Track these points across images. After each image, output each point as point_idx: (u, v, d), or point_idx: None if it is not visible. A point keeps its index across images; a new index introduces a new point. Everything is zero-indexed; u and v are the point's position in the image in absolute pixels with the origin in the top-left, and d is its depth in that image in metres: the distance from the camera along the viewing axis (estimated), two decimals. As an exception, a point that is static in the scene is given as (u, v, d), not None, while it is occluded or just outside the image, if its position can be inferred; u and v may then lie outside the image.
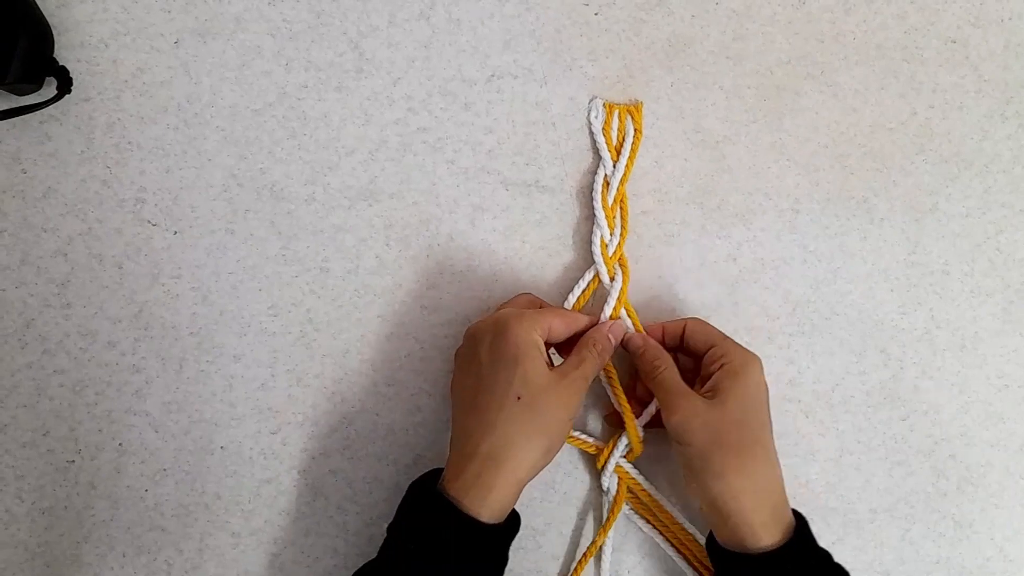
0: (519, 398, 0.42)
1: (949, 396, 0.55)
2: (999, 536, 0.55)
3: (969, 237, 0.55)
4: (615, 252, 0.51)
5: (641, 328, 0.50)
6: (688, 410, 0.44)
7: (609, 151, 0.52)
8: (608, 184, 0.51)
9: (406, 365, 0.51)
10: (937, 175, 0.55)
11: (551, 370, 0.44)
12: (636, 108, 0.52)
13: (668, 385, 0.46)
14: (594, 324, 0.48)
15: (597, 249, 0.51)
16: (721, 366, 0.46)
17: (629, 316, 0.51)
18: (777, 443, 0.53)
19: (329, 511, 0.50)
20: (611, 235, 0.51)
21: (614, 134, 0.52)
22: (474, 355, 0.45)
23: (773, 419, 0.53)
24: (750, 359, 0.46)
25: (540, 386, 0.43)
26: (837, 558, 0.53)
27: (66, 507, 0.48)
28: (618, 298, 0.50)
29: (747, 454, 0.44)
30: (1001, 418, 0.55)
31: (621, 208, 0.51)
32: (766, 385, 0.47)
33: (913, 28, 0.55)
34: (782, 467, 0.53)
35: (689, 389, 0.46)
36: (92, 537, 0.48)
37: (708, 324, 0.49)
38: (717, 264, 0.53)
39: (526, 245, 0.52)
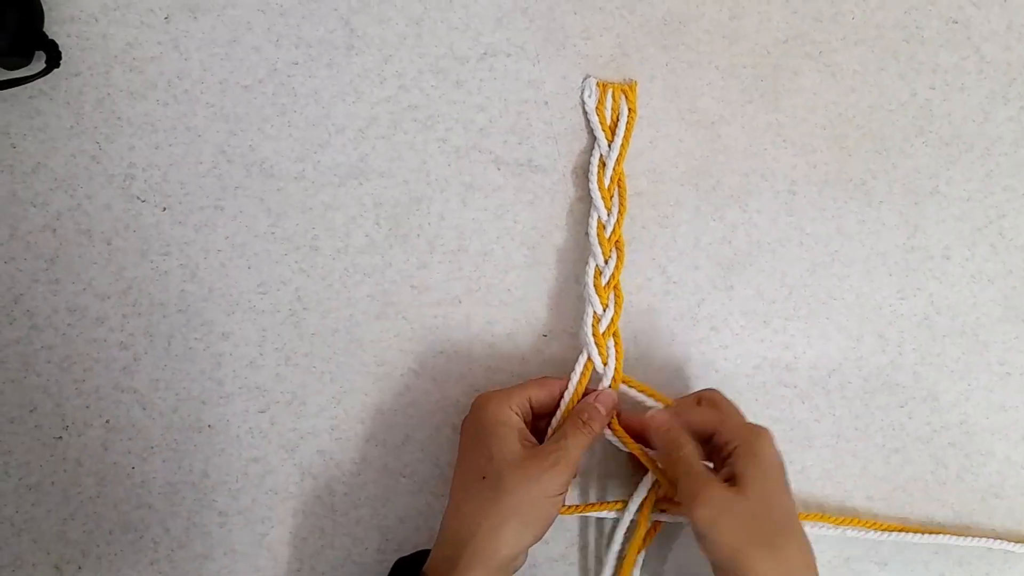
0: (484, 478, 0.42)
1: (949, 383, 0.54)
2: (999, 526, 0.54)
3: (970, 221, 0.54)
4: (612, 233, 0.50)
5: (663, 401, 0.49)
6: (715, 503, 0.41)
7: (603, 131, 0.51)
8: (604, 164, 0.51)
9: (395, 345, 0.50)
10: (937, 157, 0.54)
11: (525, 448, 0.43)
12: (630, 87, 0.51)
13: (691, 470, 0.43)
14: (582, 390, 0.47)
15: (593, 231, 0.50)
16: (734, 448, 0.43)
17: (645, 393, 0.50)
18: (773, 429, 0.52)
19: (317, 491, 0.49)
20: (608, 216, 0.50)
21: (608, 113, 0.51)
22: (460, 437, 0.46)
23: (770, 405, 0.53)
24: (761, 435, 0.44)
25: (508, 464, 0.42)
26: (832, 547, 0.53)
27: (53, 483, 0.48)
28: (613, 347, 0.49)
29: (781, 547, 0.41)
30: (1002, 406, 0.54)
31: (619, 189, 0.51)
32: (781, 458, 0.44)
33: (913, 8, 0.54)
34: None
35: (714, 477, 0.43)
36: (79, 514, 0.48)
37: (717, 400, 0.47)
38: (712, 246, 0.52)
39: (518, 225, 0.51)
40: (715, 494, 0.41)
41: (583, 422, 0.45)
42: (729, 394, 0.52)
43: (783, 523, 0.42)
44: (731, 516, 0.41)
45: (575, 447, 0.44)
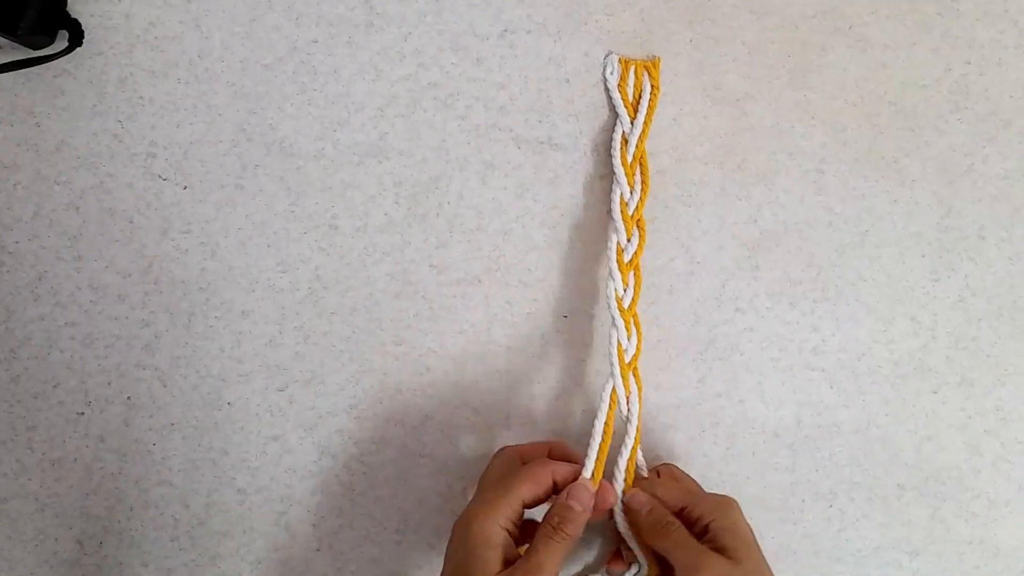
0: None
1: (984, 368, 0.52)
2: (1038, 517, 0.52)
3: (1007, 200, 0.52)
4: (635, 211, 0.49)
5: (631, 480, 0.47)
6: (716, 572, 0.41)
7: (626, 108, 0.50)
8: (626, 141, 0.50)
9: (414, 325, 0.50)
10: (973, 135, 0.52)
11: (502, 570, 0.41)
12: (653, 64, 0.50)
13: (685, 543, 0.43)
14: (571, 475, 0.45)
15: (616, 207, 0.49)
16: (709, 522, 0.43)
17: (626, 473, 0.47)
18: (799, 413, 0.51)
19: (335, 470, 0.49)
20: (631, 193, 0.49)
21: (630, 91, 0.50)
22: (446, 553, 0.43)
23: (797, 389, 0.51)
24: (732, 506, 0.44)
25: None
26: (862, 535, 0.51)
27: (75, 459, 0.48)
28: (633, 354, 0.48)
29: None
30: (1041, 393, 0.52)
31: (641, 166, 0.50)
32: (749, 526, 0.44)
33: (948, -20, 0.52)
34: (803, 437, 0.51)
35: (707, 549, 0.42)
36: (100, 489, 0.48)
37: (677, 476, 0.47)
38: (737, 226, 0.51)
39: (538, 204, 0.50)
40: (716, 565, 0.41)
41: (554, 528, 0.42)
42: (754, 378, 0.51)
43: None
44: None
45: (549, 559, 0.41)
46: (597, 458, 0.46)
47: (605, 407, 0.47)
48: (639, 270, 0.49)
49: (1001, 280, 0.52)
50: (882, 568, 0.51)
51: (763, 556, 0.43)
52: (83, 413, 0.48)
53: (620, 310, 0.48)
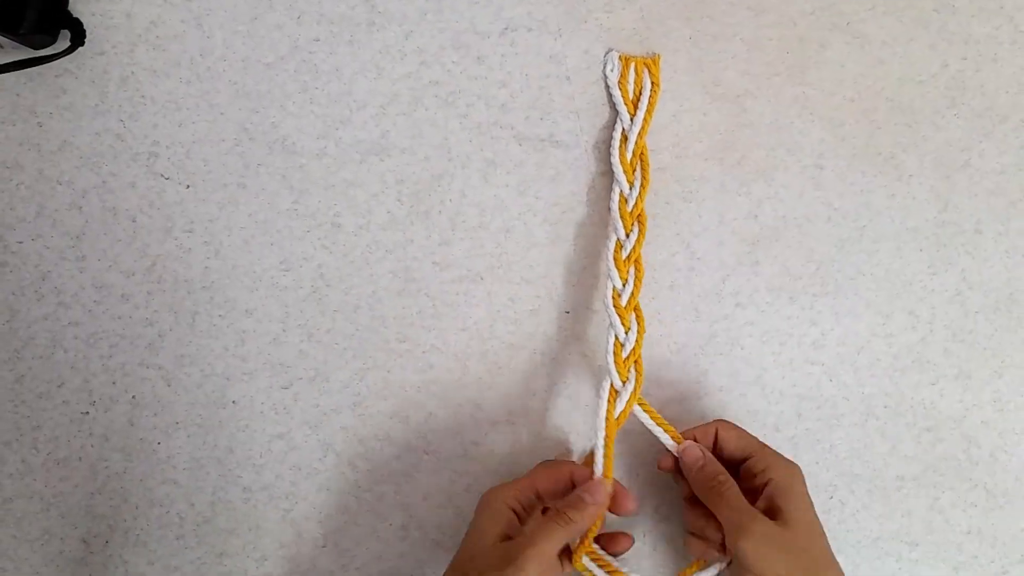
0: (453, 567, 0.42)
1: (982, 360, 0.53)
2: (1035, 507, 0.52)
3: (1003, 195, 0.53)
4: (634, 207, 0.50)
5: (679, 439, 0.47)
6: (761, 535, 0.41)
7: (626, 105, 0.50)
8: (626, 138, 0.50)
9: (417, 322, 0.50)
10: (969, 130, 0.53)
11: (500, 541, 0.42)
12: (653, 61, 0.51)
13: (735, 504, 0.43)
14: (586, 475, 0.46)
15: (615, 205, 0.49)
16: (768, 481, 0.43)
17: (661, 427, 0.48)
18: (799, 406, 0.52)
19: (340, 467, 0.50)
20: (630, 190, 0.50)
21: (631, 88, 0.51)
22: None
23: (797, 383, 0.52)
24: (795, 471, 0.45)
25: (475, 554, 0.41)
26: (862, 526, 0.52)
27: (80, 458, 0.48)
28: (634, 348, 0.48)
29: None
30: (1038, 384, 0.53)
31: (641, 163, 0.50)
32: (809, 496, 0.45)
33: (944, -24, 0.53)
34: (804, 430, 0.52)
35: (756, 511, 0.42)
36: (106, 489, 0.48)
37: (739, 427, 0.47)
38: (737, 222, 0.52)
39: (539, 201, 0.51)
40: (762, 528, 0.42)
41: (557, 511, 0.43)
42: (755, 372, 0.52)
43: (825, 558, 0.43)
44: (778, 549, 0.41)
45: (543, 536, 0.41)
46: (605, 455, 0.46)
47: (604, 404, 0.47)
48: (640, 264, 0.49)
49: (998, 273, 0.53)
50: (882, 558, 0.52)
51: (819, 524, 0.43)
52: (88, 412, 0.48)
53: (616, 306, 0.48)
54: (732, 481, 0.44)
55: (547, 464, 0.47)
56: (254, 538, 0.49)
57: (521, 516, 0.44)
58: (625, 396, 0.47)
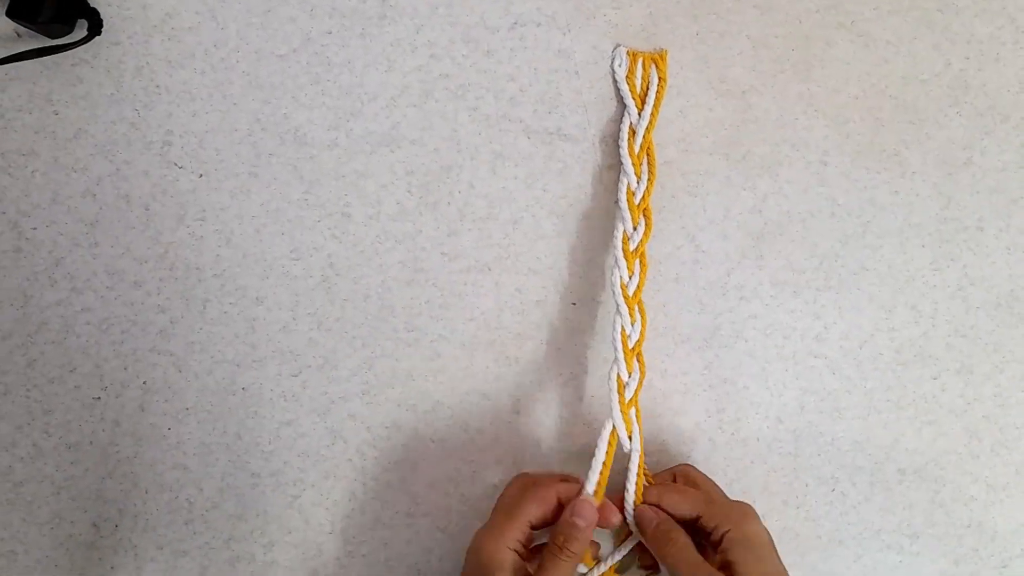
0: None
1: (983, 355, 0.53)
2: (1035, 501, 0.53)
3: (1005, 192, 0.54)
4: (641, 200, 0.50)
5: (649, 477, 0.48)
6: None
7: (633, 99, 0.51)
8: (634, 132, 0.51)
9: (425, 312, 0.51)
10: (972, 128, 0.53)
11: None
12: (660, 56, 0.52)
13: (689, 560, 0.43)
14: (575, 493, 0.45)
15: (623, 197, 0.50)
16: (724, 533, 0.43)
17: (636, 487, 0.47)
18: (802, 399, 0.52)
19: (348, 454, 0.50)
20: (638, 183, 0.50)
21: (638, 83, 0.51)
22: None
23: (800, 376, 0.52)
24: (747, 514, 0.44)
25: None
26: (863, 519, 0.52)
27: (91, 443, 0.49)
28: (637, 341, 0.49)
29: None
30: (1038, 380, 0.53)
31: (648, 156, 0.51)
32: (768, 534, 0.44)
33: (948, -24, 0.53)
34: (807, 422, 0.52)
35: (710, 567, 0.42)
36: (116, 473, 0.49)
37: (695, 480, 0.47)
38: (742, 216, 0.52)
39: (547, 193, 0.51)
40: None
41: (559, 547, 0.43)
42: (758, 365, 0.52)
43: None
44: None
45: (578, 549, 0.43)
46: (600, 472, 0.46)
47: (606, 438, 0.47)
48: (645, 258, 0.50)
49: (999, 270, 0.53)
50: (883, 550, 0.52)
51: (779, 565, 0.43)
52: (99, 398, 0.49)
53: (624, 297, 0.49)
54: (687, 540, 0.44)
55: (532, 491, 0.46)
56: (262, 523, 0.50)
57: (523, 554, 0.44)
58: (632, 386, 0.48)
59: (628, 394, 0.48)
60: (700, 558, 0.43)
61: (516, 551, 0.43)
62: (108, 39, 0.49)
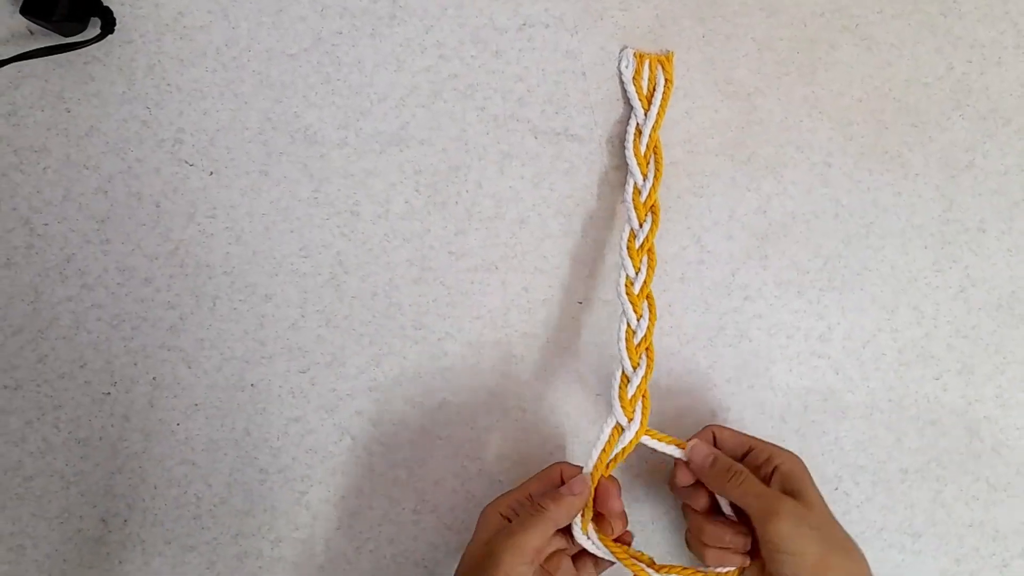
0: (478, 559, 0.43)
1: (984, 356, 0.54)
2: (1035, 501, 0.53)
3: (1007, 195, 0.54)
4: (648, 198, 0.51)
5: (684, 445, 0.48)
6: (792, 515, 0.42)
7: (640, 100, 0.52)
8: (640, 132, 0.51)
9: (433, 310, 0.51)
10: (974, 131, 0.54)
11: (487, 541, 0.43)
12: (667, 58, 0.52)
13: (759, 491, 0.43)
14: (572, 471, 0.47)
15: (629, 195, 0.51)
16: (774, 468, 0.45)
17: (664, 442, 0.48)
18: (805, 399, 0.53)
19: (356, 451, 0.50)
20: (644, 181, 0.51)
21: (645, 84, 0.52)
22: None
23: (803, 375, 0.53)
24: (796, 457, 0.46)
25: (463, 559, 0.44)
26: (866, 518, 0.53)
27: (101, 438, 0.49)
28: (645, 335, 0.49)
29: (851, 552, 0.43)
30: (1039, 381, 0.54)
31: (655, 156, 0.51)
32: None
33: (951, -19, 0.54)
34: (810, 422, 0.53)
35: (781, 494, 0.43)
36: (125, 468, 0.49)
37: (729, 428, 0.48)
38: (747, 216, 0.53)
39: (554, 193, 0.52)
40: (790, 508, 0.42)
41: (537, 502, 0.44)
42: (762, 364, 0.53)
43: (844, 534, 0.44)
44: (809, 527, 0.42)
45: (522, 527, 0.43)
46: (600, 457, 0.47)
47: (607, 431, 0.47)
48: (653, 253, 0.50)
49: (1000, 271, 0.54)
50: (885, 549, 0.53)
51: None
52: (109, 393, 0.49)
53: (629, 294, 0.49)
54: (746, 470, 0.45)
55: (542, 471, 0.48)
56: (269, 519, 0.50)
57: (512, 520, 0.45)
58: (636, 382, 0.48)
59: (632, 389, 0.48)
60: (765, 487, 0.44)
61: (505, 516, 0.45)
62: (120, 37, 0.49)
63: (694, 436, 0.48)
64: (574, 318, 0.52)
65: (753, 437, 0.48)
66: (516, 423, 0.51)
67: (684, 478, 0.47)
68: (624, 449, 0.47)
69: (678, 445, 0.48)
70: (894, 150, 0.54)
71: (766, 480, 0.45)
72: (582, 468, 0.47)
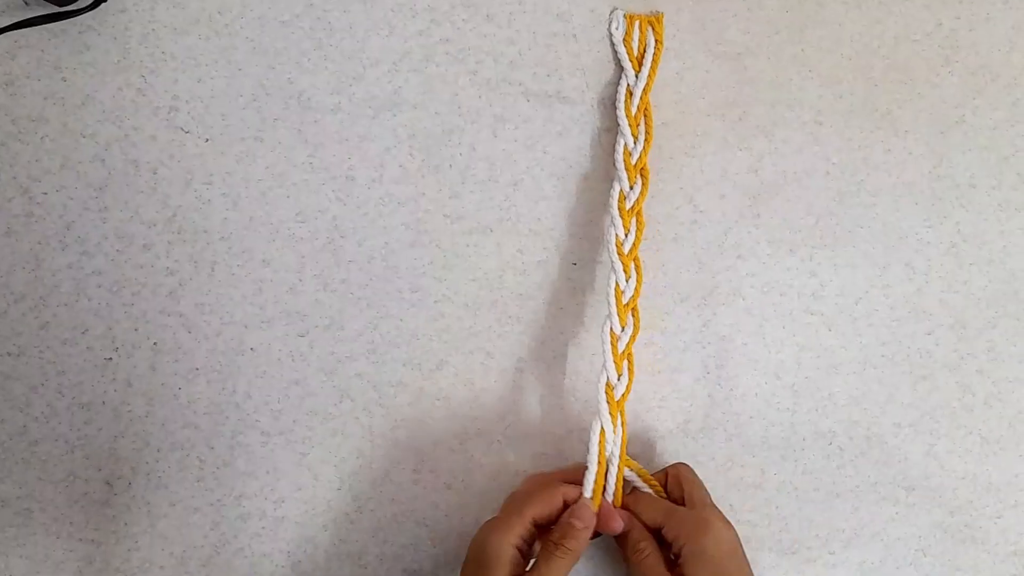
0: None
1: (976, 311, 0.54)
2: (1027, 453, 0.54)
3: (996, 150, 0.54)
4: (638, 160, 0.51)
5: (646, 476, 0.49)
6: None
7: (630, 62, 0.52)
8: (631, 94, 0.52)
9: (429, 272, 0.52)
10: (963, 87, 0.54)
11: None
12: (657, 19, 0.52)
13: (652, 572, 0.45)
14: (576, 495, 0.47)
15: (620, 157, 0.51)
16: (681, 547, 0.45)
17: (641, 477, 0.49)
18: (799, 355, 0.53)
19: (355, 413, 0.51)
20: (634, 143, 0.51)
21: (635, 45, 0.52)
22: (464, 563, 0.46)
23: (797, 332, 0.53)
24: (707, 528, 0.45)
25: None
26: (860, 472, 0.53)
27: (104, 403, 0.50)
28: (632, 297, 0.50)
29: None
30: (1030, 335, 0.54)
31: (645, 118, 0.52)
32: (731, 544, 0.45)
33: (939, -62, 0.54)
34: (804, 378, 0.53)
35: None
36: (128, 432, 0.50)
37: (684, 474, 0.49)
38: (739, 176, 0.53)
39: (547, 155, 0.52)
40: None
41: (555, 544, 0.45)
42: (755, 322, 0.53)
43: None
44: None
45: (550, 573, 0.44)
46: (595, 479, 0.48)
47: (595, 441, 0.48)
48: (641, 217, 0.51)
49: (991, 226, 0.54)
50: (879, 503, 0.53)
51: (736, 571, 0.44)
52: (111, 358, 0.50)
53: (620, 254, 0.50)
54: (653, 549, 0.46)
55: (538, 490, 0.48)
56: (271, 480, 0.51)
57: (523, 551, 0.45)
58: (625, 340, 0.49)
59: (621, 347, 0.49)
60: (663, 570, 0.45)
61: (516, 546, 0.45)
62: (114, 6, 0.49)
63: (658, 472, 0.50)
64: (569, 279, 0.52)
65: (672, 509, 0.47)
66: (513, 383, 0.52)
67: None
68: (619, 475, 0.48)
69: (644, 479, 0.49)
70: (884, 107, 0.54)
71: (677, 556, 0.45)
72: (581, 491, 0.48)
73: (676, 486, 0.49)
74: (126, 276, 0.50)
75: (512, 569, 0.44)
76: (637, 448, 0.53)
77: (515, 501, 0.47)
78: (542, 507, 0.46)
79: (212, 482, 0.50)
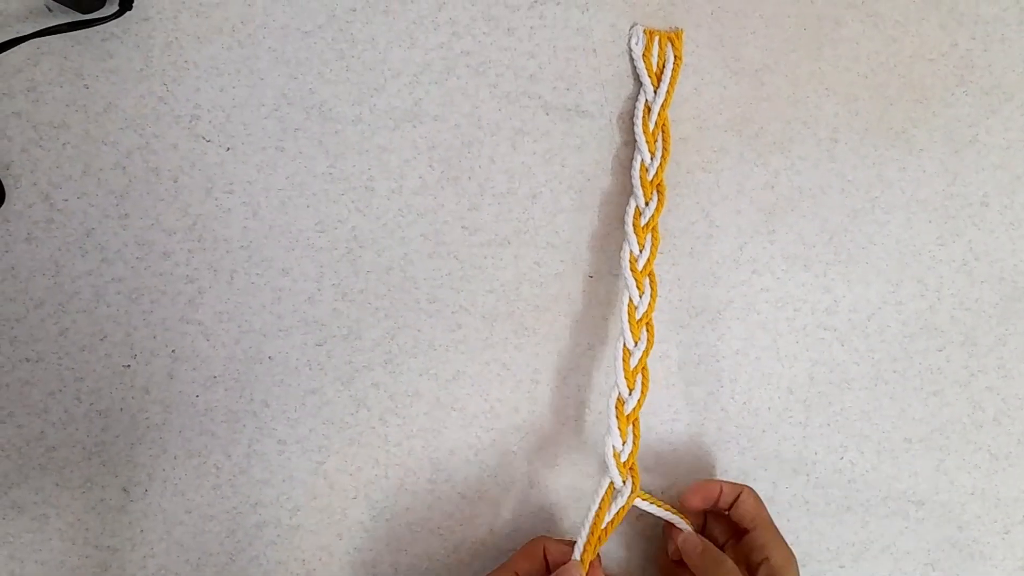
0: None
1: (987, 328, 0.55)
2: (1036, 469, 0.55)
3: (1009, 169, 0.55)
4: (655, 177, 0.52)
5: (680, 515, 0.49)
6: None
7: (649, 77, 0.52)
8: (649, 109, 0.52)
9: (447, 283, 0.52)
10: (977, 107, 0.55)
11: None
12: (676, 35, 0.53)
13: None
14: (563, 554, 0.47)
15: (636, 173, 0.51)
16: (763, 560, 0.45)
17: (672, 514, 0.49)
18: (812, 370, 0.54)
19: (371, 422, 0.51)
20: (651, 159, 0.52)
21: (654, 61, 0.53)
22: None
23: (810, 347, 0.54)
24: (791, 560, 0.45)
25: None
26: (871, 486, 0.54)
27: (121, 409, 0.50)
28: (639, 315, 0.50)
29: None
30: (1039, 352, 0.55)
31: (663, 133, 0.52)
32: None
33: (956, -41, 0.55)
34: (816, 393, 0.54)
35: None
36: (146, 439, 0.50)
37: (759, 500, 0.48)
38: (755, 191, 0.54)
39: (565, 169, 0.53)
40: None
41: None
42: (769, 336, 0.54)
43: None
44: None
45: None
46: (588, 539, 0.47)
47: (599, 499, 0.48)
48: (657, 232, 0.51)
49: (1003, 245, 0.55)
50: (889, 517, 0.54)
51: None
52: (129, 365, 0.50)
53: (633, 270, 0.50)
54: (733, 566, 0.45)
55: (524, 547, 0.48)
56: (287, 489, 0.51)
57: None
58: (638, 354, 0.49)
59: (633, 361, 0.49)
60: None
61: None
62: (138, 14, 0.50)
63: (726, 483, 0.49)
64: (585, 292, 0.53)
65: (769, 524, 0.47)
66: (528, 394, 0.52)
67: (674, 553, 0.48)
68: (620, 512, 0.48)
69: (672, 511, 0.49)
70: (899, 126, 0.54)
71: (753, 569, 0.45)
72: (571, 547, 0.47)
73: (747, 511, 0.48)
74: (145, 283, 0.50)
75: None
76: (650, 461, 0.53)
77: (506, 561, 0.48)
78: (523, 562, 0.47)
79: (228, 490, 0.50)
